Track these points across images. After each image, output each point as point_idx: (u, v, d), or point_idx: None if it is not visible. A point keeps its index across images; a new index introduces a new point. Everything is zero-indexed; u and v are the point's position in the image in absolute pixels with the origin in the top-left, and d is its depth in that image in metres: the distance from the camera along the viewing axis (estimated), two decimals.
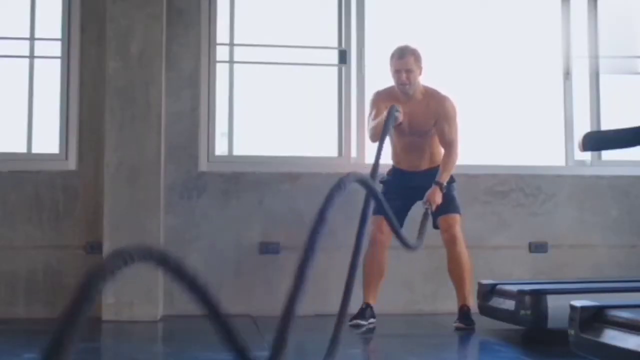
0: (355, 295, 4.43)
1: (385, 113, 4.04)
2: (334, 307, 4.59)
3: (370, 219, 4.47)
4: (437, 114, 4.41)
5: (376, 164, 3.38)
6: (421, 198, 4.39)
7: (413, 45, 4.46)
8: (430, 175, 4.41)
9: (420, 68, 4.41)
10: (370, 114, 4.49)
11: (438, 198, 4.29)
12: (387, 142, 4.46)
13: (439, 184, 4.31)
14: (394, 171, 4.56)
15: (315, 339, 3.97)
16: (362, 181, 2.02)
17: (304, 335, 4.21)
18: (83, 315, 0.86)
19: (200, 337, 3.99)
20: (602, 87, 5.49)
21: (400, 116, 4.13)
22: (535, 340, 3.88)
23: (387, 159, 4.55)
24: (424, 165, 4.49)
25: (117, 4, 4.73)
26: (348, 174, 1.87)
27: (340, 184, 1.73)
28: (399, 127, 4.41)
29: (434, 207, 4.29)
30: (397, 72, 4.38)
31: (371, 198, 2.08)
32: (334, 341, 2.08)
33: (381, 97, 4.49)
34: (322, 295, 4.86)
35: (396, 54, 4.41)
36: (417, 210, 4.46)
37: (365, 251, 4.38)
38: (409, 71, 4.36)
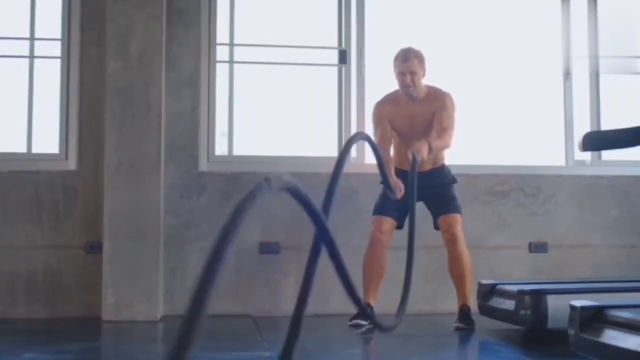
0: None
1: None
2: (334, 307, 4.60)
3: (371, 219, 4.51)
4: (436, 108, 4.41)
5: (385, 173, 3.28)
6: (423, 198, 4.38)
7: (416, 47, 4.46)
8: (433, 175, 4.41)
9: (423, 70, 4.41)
10: (374, 133, 4.47)
11: (424, 150, 4.21)
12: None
13: (428, 142, 4.27)
14: (396, 172, 4.56)
15: (315, 339, 3.97)
16: (290, 189, 1.60)
17: (304, 335, 4.21)
18: None
19: (199, 337, 3.99)
20: (602, 87, 5.49)
21: (398, 194, 4.28)
22: (535, 340, 3.88)
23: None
24: (427, 166, 4.48)
25: (117, 4, 4.73)
26: (267, 179, 1.38)
27: (252, 194, 1.32)
28: (402, 128, 4.43)
29: (419, 157, 4.18)
30: (400, 75, 4.39)
31: (305, 208, 1.63)
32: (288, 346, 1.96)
33: (382, 106, 4.49)
34: (322, 295, 4.86)
35: (400, 57, 4.41)
36: (418, 210, 4.46)
37: (366, 251, 4.38)
38: (412, 73, 4.36)
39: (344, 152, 2.49)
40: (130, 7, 4.73)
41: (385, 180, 3.98)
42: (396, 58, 4.43)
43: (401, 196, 4.28)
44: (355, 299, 2.18)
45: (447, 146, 4.42)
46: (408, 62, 4.37)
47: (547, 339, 3.76)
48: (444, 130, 4.38)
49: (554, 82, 5.49)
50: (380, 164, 3.69)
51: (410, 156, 4.21)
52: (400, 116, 4.46)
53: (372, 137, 4.52)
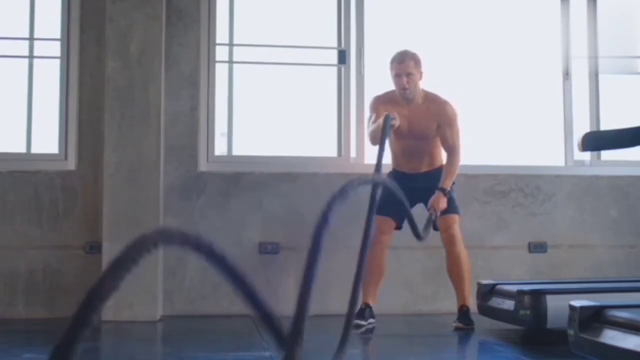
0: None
1: (381, 120, 4.07)
2: (334, 307, 4.60)
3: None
4: (439, 119, 4.41)
5: (378, 168, 3.28)
6: (421, 199, 4.38)
7: (413, 49, 4.46)
8: (429, 176, 4.41)
9: (420, 72, 4.40)
10: (369, 118, 4.49)
11: (442, 203, 4.30)
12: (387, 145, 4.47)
13: (443, 190, 4.31)
14: (394, 173, 4.56)
15: (315, 339, 3.97)
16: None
17: (304, 335, 4.20)
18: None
19: (199, 337, 3.99)
20: (602, 87, 5.50)
21: (396, 122, 4.15)
22: (534, 340, 3.88)
23: (386, 160, 4.56)
24: (424, 168, 4.50)
25: (117, 4, 4.73)
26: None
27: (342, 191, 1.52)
28: (398, 130, 4.42)
29: (438, 213, 4.29)
30: (397, 77, 4.38)
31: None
32: (343, 342, 2.00)
33: (380, 101, 4.49)
34: (322, 295, 4.87)
35: (396, 59, 4.41)
36: (417, 211, 4.46)
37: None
38: (409, 75, 4.35)
39: (383, 131, 2.55)
40: (130, 7, 4.73)
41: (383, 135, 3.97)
42: (392, 60, 4.43)
43: (398, 123, 4.22)
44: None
45: (457, 168, 4.42)
46: (404, 63, 4.36)
47: (547, 339, 3.76)
48: (452, 149, 4.39)
49: (554, 82, 5.49)
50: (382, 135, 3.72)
51: (429, 212, 4.29)
52: (398, 115, 4.46)
53: (368, 125, 4.53)
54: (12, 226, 4.82)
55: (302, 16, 5.39)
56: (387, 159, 4.55)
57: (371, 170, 4.65)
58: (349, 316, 2.26)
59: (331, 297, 4.69)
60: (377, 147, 4.39)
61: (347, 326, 2.18)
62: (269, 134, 5.31)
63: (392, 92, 4.50)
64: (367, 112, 4.75)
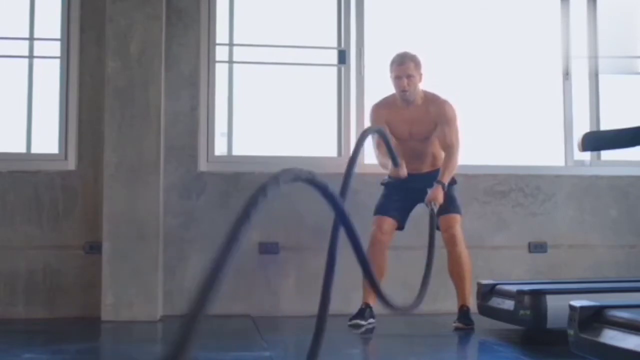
0: (354, 295, 4.45)
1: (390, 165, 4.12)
2: (334, 307, 4.59)
3: (372, 219, 4.50)
4: (437, 118, 4.40)
5: (347, 179, 3.19)
6: (423, 199, 4.38)
7: (413, 50, 4.46)
8: (431, 178, 4.40)
9: (420, 74, 4.40)
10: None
11: (440, 197, 4.28)
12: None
13: (440, 183, 4.30)
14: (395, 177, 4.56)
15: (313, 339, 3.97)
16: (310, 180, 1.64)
17: (304, 335, 4.21)
18: None
19: (199, 337, 3.99)
20: (602, 87, 5.50)
21: (403, 172, 4.24)
22: (534, 341, 3.88)
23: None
24: (426, 168, 4.50)
25: (117, 4, 4.73)
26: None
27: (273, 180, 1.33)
28: (399, 133, 4.41)
29: (437, 206, 4.27)
30: (397, 79, 4.37)
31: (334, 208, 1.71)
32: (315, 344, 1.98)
33: (380, 107, 4.49)
34: (320, 296, 4.86)
35: (396, 61, 4.40)
36: (418, 211, 4.46)
37: (366, 251, 4.38)
38: (409, 77, 4.35)
39: (356, 149, 2.51)
40: (130, 7, 4.73)
41: (393, 159, 3.96)
42: (392, 62, 4.42)
43: (404, 175, 4.29)
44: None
45: (456, 165, 4.41)
46: (404, 65, 4.36)
47: (547, 339, 3.76)
48: (450, 147, 4.38)
49: (554, 82, 5.49)
50: (390, 147, 3.69)
51: (428, 208, 4.28)
52: (398, 121, 4.45)
53: (372, 143, 4.52)
54: (12, 226, 4.82)
55: (302, 16, 5.39)
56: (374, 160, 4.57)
57: (370, 170, 4.66)
58: (320, 324, 2.23)
59: (331, 297, 4.68)
60: (376, 150, 4.41)
61: (319, 332, 2.15)
62: (269, 134, 5.31)
63: (390, 96, 4.50)
64: (367, 112, 4.76)
